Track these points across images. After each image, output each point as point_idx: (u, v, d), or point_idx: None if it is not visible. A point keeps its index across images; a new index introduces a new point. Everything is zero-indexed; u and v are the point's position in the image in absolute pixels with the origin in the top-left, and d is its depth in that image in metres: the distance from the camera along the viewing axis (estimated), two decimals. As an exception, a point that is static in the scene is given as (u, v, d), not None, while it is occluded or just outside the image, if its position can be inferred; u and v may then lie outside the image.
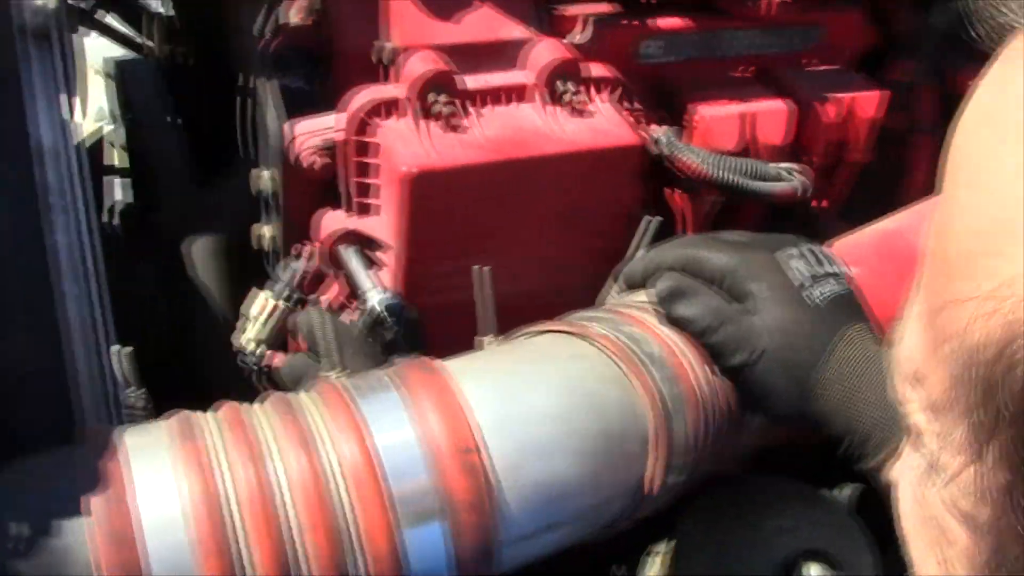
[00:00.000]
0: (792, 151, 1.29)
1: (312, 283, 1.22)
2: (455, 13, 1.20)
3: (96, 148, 1.81)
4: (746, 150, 1.25)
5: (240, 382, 1.22)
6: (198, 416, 0.85)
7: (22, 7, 1.16)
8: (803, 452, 1.17)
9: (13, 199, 1.06)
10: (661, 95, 1.30)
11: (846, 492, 1.23)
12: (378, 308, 1.09)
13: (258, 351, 1.19)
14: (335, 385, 0.86)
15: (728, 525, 1.09)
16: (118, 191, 2.06)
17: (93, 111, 2.10)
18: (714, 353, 0.94)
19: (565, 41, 1.22)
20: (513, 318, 1.01)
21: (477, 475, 0.80)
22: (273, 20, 1.28)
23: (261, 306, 1.19)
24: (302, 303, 1.21)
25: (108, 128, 2.11)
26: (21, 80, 1.12)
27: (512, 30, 1.22)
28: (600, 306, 1.05)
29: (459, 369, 0.88)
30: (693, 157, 1.18)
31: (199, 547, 0.75)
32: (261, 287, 1.22)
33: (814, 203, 1.33)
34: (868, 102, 1.31)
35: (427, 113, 1.12)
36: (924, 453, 0.46)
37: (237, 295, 1.34)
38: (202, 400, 1.34)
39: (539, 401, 0.85)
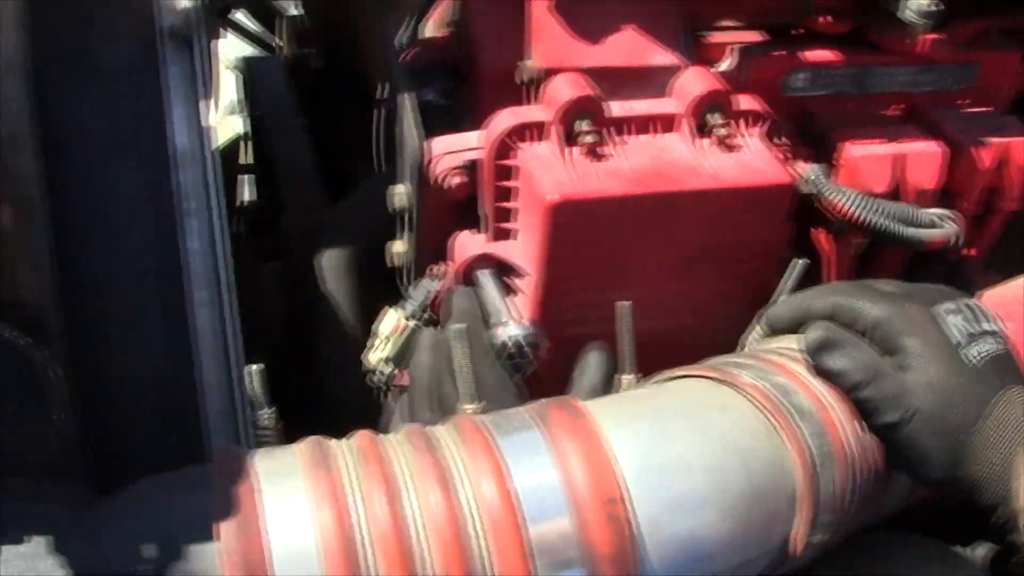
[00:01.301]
0: (942, 196, 1.24)
1: (445, 304, 1.20)
2: (601, 35, 1.18)
3: (233, 148, 1.82)
4: (895, 192, 1.21)
5: (364, 398, 1.21)
6: (332, 444, 0.83)
7: (165, 10, 1.16)
8: (938, 509, 1.13)
9: (151, 204, 1.06)
10: (807, 130, 1.27)
11: (979, 551, 1.19)
12: (517, 340, 1.07)
13: (387, 370, 1.17)
14: (474, 421, 0.84)
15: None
16: (246, 189, 2.07)
17: (224, 104, 2.11)
18: (863, 409, 0.90)
19: (712, 70, 1.19)
20: (651, 356, 0.98)
21: (621, 527, 0.77)
22: (413, 31, 1.27)
23: (393, 326, 1.18)
24: (433, 324, 1.19)
25: (239, 123, 2.13)
26: (162, 84, 1.12)
27: (659, 56, 1.19)
28: (742, 349, 1.01)
29: (603, 413, 0.85)
30: (844, 199, 1.14)
31: (332, 583, 0.73)
32: (392, 304, 1.20)
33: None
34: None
35: (571, 139, 1.10)
36: None
37: (364, 311, 1.33)
38: (323, 414, 1.34)
39: (687, 453, 0.82)
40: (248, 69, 2.05)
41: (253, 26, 2.43)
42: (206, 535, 0.74)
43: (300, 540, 0.74)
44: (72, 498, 0.76)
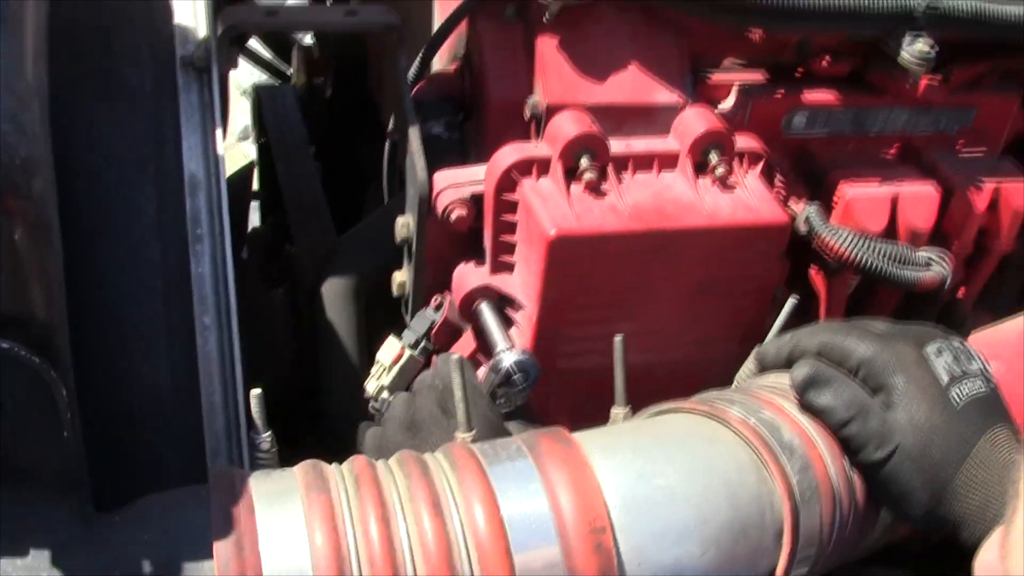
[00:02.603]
0: (936, 236, 1.26)
1: (446, 335, 1.22)
2: (606, 73, 1.20)
3: (246, 174, 1.84)
4: (890, 232, 1.23)
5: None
6: (328, 468, 0.85)
7: (183, 39, 1.19)
8: (922, 547, 1.14)
9: (166, 228, 1.09)
10: (806, 169, 1.29)
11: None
12: (508, 366, 1.09)
13: (386, 398, 1.19)
14: (468, 449, 0.86)
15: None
16: (255, 215, 2.10)
17: (237, 131, 2.14)
18: (848, 446, 0.91)
19: (715, 111, 1.21)
20: (646, 389, 1.00)
21: (607, 556, 0.79)
22: (422, 65, 1.29)
23: (395, 355, 1.20)
24: (430, 354, 1.21)
25: (251, 150, 2.15)
26: (180, 110, 1.14)
27: (662, 94, 1.21)
28: (737, 385, 1.03)
29: (592, 444, 0.86)
30: (839, 239, 1.16)
31: (323, 603, 0.74)
32: (397, 333, 1.22)
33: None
34: (1017, 191, 1.28)
35: (573, 175, 1.12)
36: None
37: (368, 339, 1.35)
38: (326, 438, 1.35)
39: (673, 484, 0.84)
40: (259, 96, 2.07)
41: (268, 55, 2.47)
42: (204, 553, 0.76)
43: (294, 560, 0.76)
44: (75, 512, 0.78)
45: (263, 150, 2.03)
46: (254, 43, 2.45)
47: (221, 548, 0.76)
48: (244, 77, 2.23)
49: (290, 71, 2.30)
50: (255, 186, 2.11)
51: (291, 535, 0.77)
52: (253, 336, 1.28)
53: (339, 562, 0.76)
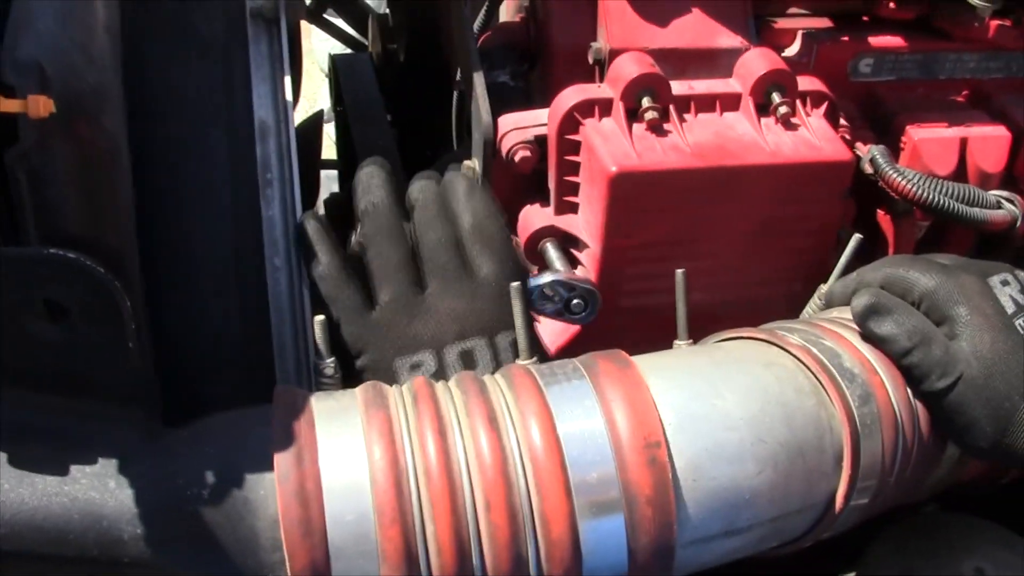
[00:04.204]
0: (1005, 179, 1.24)
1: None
2: (668, 18, 1.20)
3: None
4: (958, 175, 1.21)
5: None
6: (388, 387, 0.86)
7: (255, -7, 1.22)
8: (996, 490, 1.13)
9: (237, 173, 1.11)
10: (872, 114, 1.28)
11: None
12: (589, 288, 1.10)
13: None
14: (525, 369, 0.87)
15: (921, 562, 1.05)
16: (334, 185, 2.13)
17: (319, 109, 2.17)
18: (911, 375, 0.91)
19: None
20: (708, 328, 1.00)
21: (661, 470, 0.79)
22: (488, 16, 1.31)
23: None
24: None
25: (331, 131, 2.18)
26: (250, 60, 1.17)
27: (724, 38, 1.21)
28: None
29: (649, 365, 0.87)
30: (905, 178, 1.15)
31: (380, 514, 0.76)
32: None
33: (1024, 234, 1.28)
34: (1089, 133, 1.26)
35: (635, 115, 1.12)
36: None
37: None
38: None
39: (729, 404, 0.84)
40: (334, 66, 2.10)
41: (349, 30, 2.50)
42: (265, 465, 0.78)
43: (353, 472, 0.78)
44: (142, 426, 0.81)
45: (340, 118, 2.06)
46: (340, 22, 2.49)
47: (281, 460, 0.77)
48: (327, 60, 2.26)
49: (364, 40, 2.33)
50: (333, 155, 2.14)
51: (350, 448, 0.79)
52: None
53: (396, 474, 0.77)
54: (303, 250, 1.09)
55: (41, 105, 0.72)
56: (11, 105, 0.72)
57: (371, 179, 1.14)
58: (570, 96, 1.14)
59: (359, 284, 1.08)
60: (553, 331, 1.19)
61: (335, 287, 1.07)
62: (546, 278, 1.11)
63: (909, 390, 0.91)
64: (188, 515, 0.77)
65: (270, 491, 0.78)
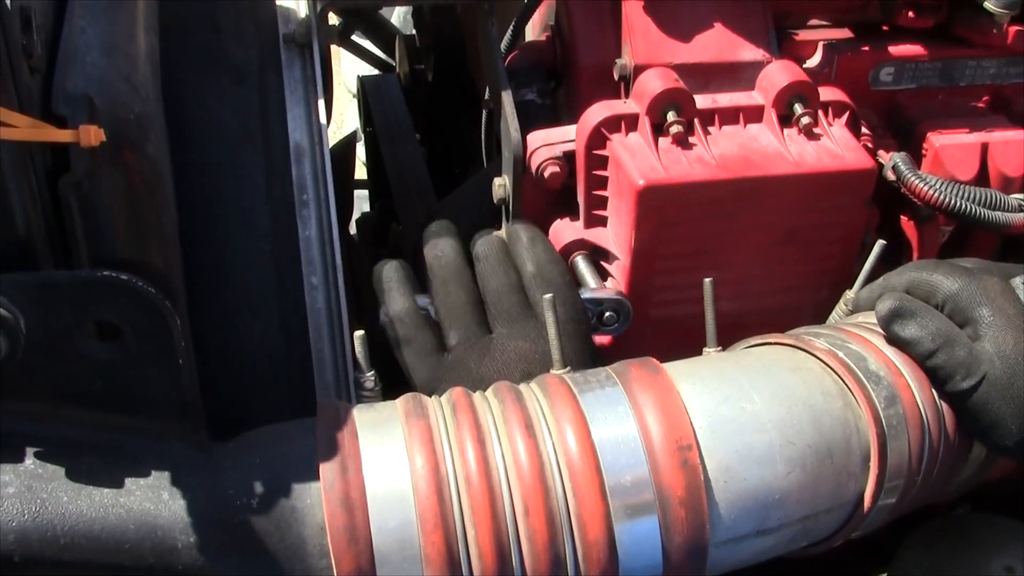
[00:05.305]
0: (1025, 184, 1.26)
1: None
2: (691, 33, 1.23)
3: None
4: (980, 181, 1.23)
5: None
6: (427, 398, 0.89)
7: (286, 19, 1.26)
8: (1014, 485, 1.14)
9: (274, 194, 1.15)
10: (894, 122, 1.30)
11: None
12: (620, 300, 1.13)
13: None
14: (560, 378, 0.89)
15: (951, 561, 1.07)
16: (364, 204, 2.17)
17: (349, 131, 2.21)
18: (935, 377, 0.92)
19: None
20: (735, 336, 1.02)
21: (694, 473, 0.81)
22: (514, 35, 1.34)
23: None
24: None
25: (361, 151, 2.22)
26: (284, 84, 1.20)
27: (747, 52, 1.23)
28: (825, 325, 1.05)
29: (679, 371, 0.90)
30: (929, 184, 1.17)
31: (423, 521, 0.79)
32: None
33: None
34: (1109, 138, 1.27)
35: (660, 129, 1.15)
36: None
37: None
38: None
39: (758, 407, 0.86)
40: (363, 87, 2.13)
41: (376, 51, 2.54)
42: (311, 475, 0.81)
43: (396, 480, 0.80)
44: (191, 439, 0.84)
45: (370, 139, 2.09)
46: (369, 45, 2.53)
47: (327, 470, 0.80)
48: (355, 81, 2.30)
49: (392, 61, 2.36)
50: (364, 176, 2.18)
51: (392, 457, 0.82)
52: (361, 304, 1.33)
53: (438, 481, 0.80)
54: (379, 293, 1.14)
55: (92, 135, 0.75)
56: (64, 135, 0.76)
57: (438, 235, 1.18)
58: (597, 112, 1.16)
59: (434, 329, 1.12)
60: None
61: (412, 329, 1.11)
62: (582, 295, 1.14)
63: (934, 391, 0.93)
64: (238, 524, 0.80)
65: (316, 500, 0.81)
